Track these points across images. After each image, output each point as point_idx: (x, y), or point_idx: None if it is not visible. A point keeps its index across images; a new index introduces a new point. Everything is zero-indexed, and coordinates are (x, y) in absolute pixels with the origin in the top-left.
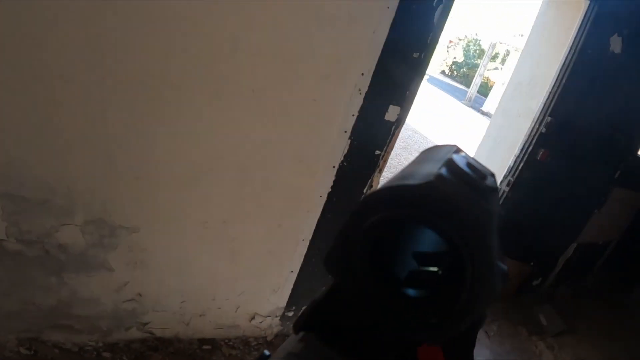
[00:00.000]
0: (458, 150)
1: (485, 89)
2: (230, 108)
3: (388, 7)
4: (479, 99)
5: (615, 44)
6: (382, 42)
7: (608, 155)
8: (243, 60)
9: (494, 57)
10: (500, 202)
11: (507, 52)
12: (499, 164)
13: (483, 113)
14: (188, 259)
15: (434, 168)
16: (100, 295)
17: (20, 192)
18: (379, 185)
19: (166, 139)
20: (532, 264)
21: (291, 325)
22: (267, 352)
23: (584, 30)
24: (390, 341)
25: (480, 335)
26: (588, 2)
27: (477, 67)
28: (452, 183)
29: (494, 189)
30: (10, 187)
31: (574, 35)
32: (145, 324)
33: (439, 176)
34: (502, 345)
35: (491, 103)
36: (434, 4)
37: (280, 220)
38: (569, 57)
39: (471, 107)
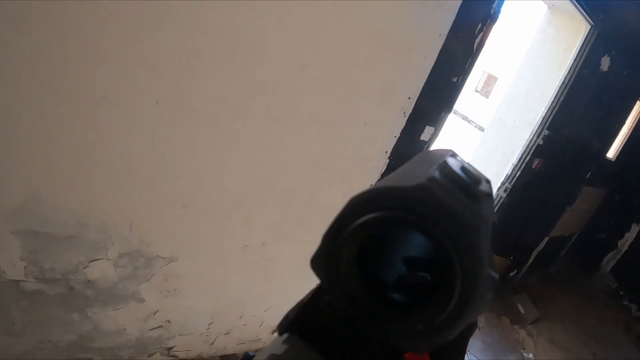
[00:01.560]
0: (454, 155)
1: None
2: (287, 132)
3: (440, 35)
4: None
5: (605, 64)
6: (429, 68)
7: (584, 158)
8: (307, 85)
9: None
10: (497, 206)
11: None
12: (495, 171)
13: None
14: (222, 282)
15: (426, 171)
16: (126, 325)
17: (45, 228)
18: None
19: (217, 165)
20: (512, 258)
21: None
22: (250, 353)
23: (584, 51)
24: (376, 346)
25: None
26: (589, 26)
27: None
28: (445, 186)
29: (489, 195)
30: (33, 224)
31: (574, 56)
32: (170, 348)
33: (431, 179)
34: (491, 336)
35: None
36: (476, 32)
37: (315, 237)
38: (568, 76)
39: None
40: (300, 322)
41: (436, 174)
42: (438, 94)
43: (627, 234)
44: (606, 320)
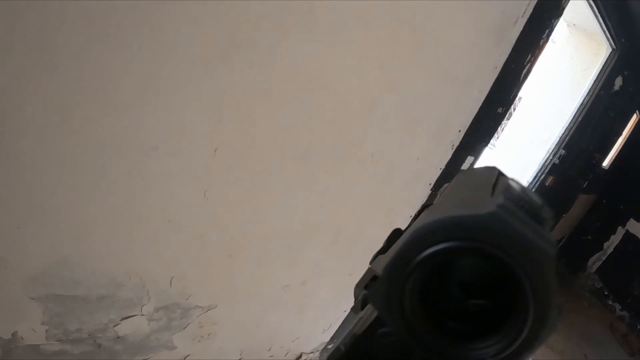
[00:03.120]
0: (502, 174)
1: None
2: (346, 174)
3: (495, 67)
4: None
5: (617, 83)
6: (482, 100)
7: (585, 169)
8: (373, 124)
9: None
10: None
11: None
12: None
13: None
14: (257, 321)
15: (488, 195)
16: None
17: (72, 292)
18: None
19: (270, 212)
20: None
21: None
22: None
23: (603, 75)
24: None
25: None
26: (610, 49)
27: None
28: (515, 213)
29: (552, 218)
30: (59, 288)
31: (594, 78)
32: None
33: (500, 205)
34: None
35: None
36: (525, 62)
37: (352, 270)
38: (587, 98)
39: None
40: (352, 355)
41: (502, 199)
42: (483, 125)
43: (612, 236)
44: (593, 320)
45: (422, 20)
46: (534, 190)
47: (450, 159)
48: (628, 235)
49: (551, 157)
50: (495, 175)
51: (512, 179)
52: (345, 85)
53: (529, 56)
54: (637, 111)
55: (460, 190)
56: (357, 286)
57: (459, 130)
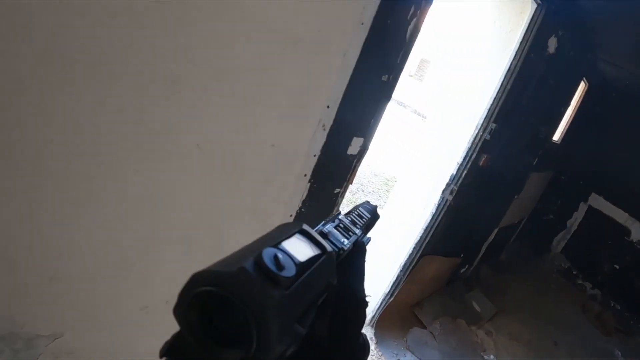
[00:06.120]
0: (302, 231)
1: None
2: (168, 171)
3: (362, 24)
4: None
5: (552, 45)
6: (352, 67)
7: (532, 145)
8: (184, 106)
9: None
10: (444, 210)
11: None
12: (440, 169)
13: None
14: (125, 349)
15: (248, 257)
16: None
17: None
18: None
19: (86, 224)
20: (462, 256)
21: None
22: None
23: (530, 33)
24: None
25: (428, 338)
26: (535, 5)
27: None
28: (249, 274)
29: (292, 277)
30: None
31: (520, 39)
32: None
33: (241, 268)
34: (448, 343)
35: None
36: (408, 17)
37: None
38: (514, 62)
39: None
40: (175, 348)
41: (249, 263)
42: (365, 98)
43: (575, 213)
44: (562, 303)
45: None
46: (465, 172)
47: (326, 142)
48: (591, 210)
49: (481, 133)
50: (291, 233)
51: (288, 241)
52: (134, 60)
53: (412, 9)
54: (583, 78)
55: (255, 242)
56: None
57: (328, 107)
